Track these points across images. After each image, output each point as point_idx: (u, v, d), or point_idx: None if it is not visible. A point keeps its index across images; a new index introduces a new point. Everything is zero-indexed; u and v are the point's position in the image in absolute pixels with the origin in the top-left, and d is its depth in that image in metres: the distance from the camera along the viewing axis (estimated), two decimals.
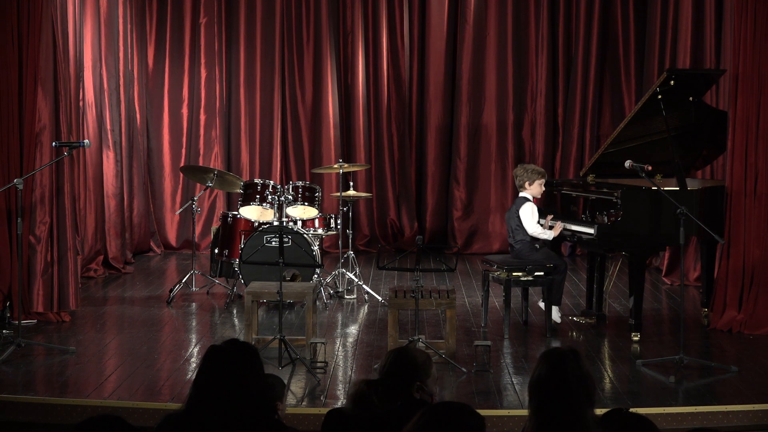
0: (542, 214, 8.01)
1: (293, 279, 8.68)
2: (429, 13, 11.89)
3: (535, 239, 7.84)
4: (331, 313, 8.54)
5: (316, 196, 9.13)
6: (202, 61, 11.81)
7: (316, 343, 6.77)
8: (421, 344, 6.72)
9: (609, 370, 6.78)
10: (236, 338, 3.42)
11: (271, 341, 6.89)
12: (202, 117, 11.86)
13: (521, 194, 7.94)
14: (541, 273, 7.66)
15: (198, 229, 11.41)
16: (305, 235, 8.51)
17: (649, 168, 7.14)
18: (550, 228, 7.89)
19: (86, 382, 6.43)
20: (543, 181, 7.94)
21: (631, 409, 3.32)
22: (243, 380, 3.23)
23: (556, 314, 7.85)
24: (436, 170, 11.99)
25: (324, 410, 5.36)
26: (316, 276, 8.61)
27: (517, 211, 7.86)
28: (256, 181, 9.12)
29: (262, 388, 3.32)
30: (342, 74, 11.89)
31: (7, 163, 7.78)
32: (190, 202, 9.48)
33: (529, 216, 7.81)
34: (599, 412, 3.36)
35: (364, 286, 9.10)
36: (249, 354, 3.30)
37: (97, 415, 3.12)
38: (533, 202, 7.93)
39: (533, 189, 7.90)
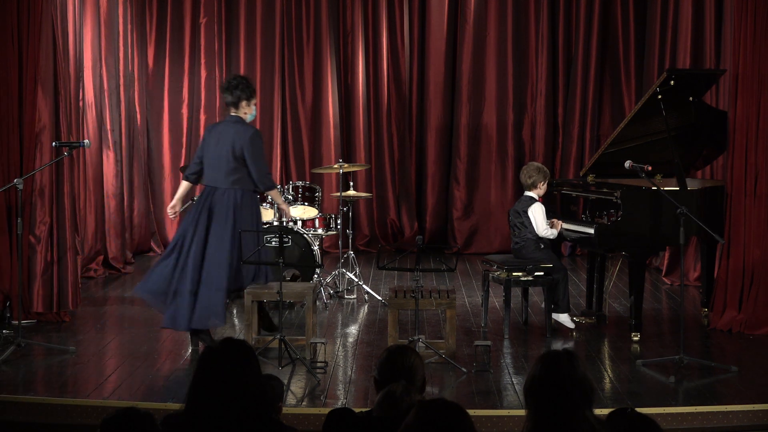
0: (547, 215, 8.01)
1: (293, 279, 8.68)
2: (429, 13, 11.89)
3: (540, 238, 7.83)
4: (331, 313, 8.54)
5: (316, 196, 9.14)
6: (202, 61, 11.81)
7: (316, 343, 6.78)
8: (421, 344, 6.72)
9: (609, 370, 6.78)
10: (230, 337, 3.41)
11: (271, 341, 6.89)
12: (202, 117, 11.85)
13: (528, 193, 7.91)
14: (541, 273, 7.66)
15: None
16: (305, 235, 8.51)
17: (649, 168, 7.13)
18: (551, 227, 7.89)
19: (86, 382, 6.43)
20: (547, 182, 7.96)
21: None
22: (240, 378, 3.24)
23: (568, 322, 7.78)
24: (436, 170, 11.99)
25: (324, 410, 5.37)
26: (316, 276, 8.61)
27: (525, 210, 7.82)
28: None
29: (261, 386, 3.32)
30: (342, 74, 11.89)
31: (7, 163, 7.78)
32: (191, 202, 9.46)
33: (541, 217, 7.78)
34: (605, 411, 3.36)
35: (364, 286, 9.10)
36: (244, 352, 3.31)
37: (129, 407, 3.14)
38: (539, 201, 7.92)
39: (542, 189, 7.89)
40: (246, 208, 7.08)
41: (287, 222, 7.43)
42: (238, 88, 7.11)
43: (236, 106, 7.14)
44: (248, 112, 7.19)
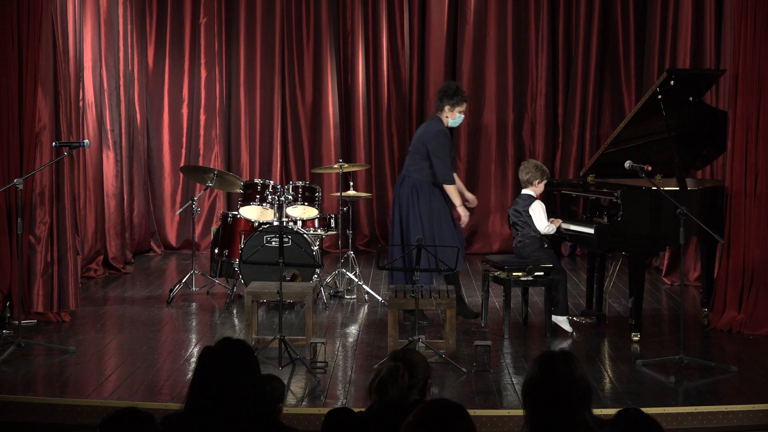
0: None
1: (293, 279, 8.68)
2: (429, 13, 11.89)
3: (543, 236, 7.83)
4: (331, 313, 8.55)
5: (316, 196, 9.13)
6: (202, 61, 11.81)
7: (316, 343, 6.78)
8: (421, 344, 6.72)
9: (609, 370, 6.78)
10: (229, 337, 3.41)
11: (271, 341, 6.90)
12: (202, 117, 11.86)
13: (525, 191, 7.91)
14: (541, 273, 7.66)
15: (198, 229, 11.41)
16: (305, 235, 8.52)
17: (649, 168, 7.13)
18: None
19: (86, 382, 6.43)
20: (546, 181, 7.98)
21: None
22: (239, 378, 3.24)
23: (566, 325, 7.76)
24: None
25: (324, 410, 5.37)
26: (316, 276, 8.61)
27: (525, 208, 7.82)
28: (256, 181, 9.12)
29: (261, 386, 3.33)
30: (342, 74, 11.89)
31: (7, 163, 7.78)
32: (190, 202, 9.48)
33: (542, 215, 7.78)
34: (605, 411, 3.35)
35: (364, 286, 9.10)
36: (243, 351, 3.31)
37: (129, 407, 3.14)
38: (539, 199, 7.92)
39: (539, 187, 7.90)
40: (423, 196, 7.93)
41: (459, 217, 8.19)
42: (446, 94, 7.96)
43: (440, 109, 8.00)
44: (450, 116, 7.98)
